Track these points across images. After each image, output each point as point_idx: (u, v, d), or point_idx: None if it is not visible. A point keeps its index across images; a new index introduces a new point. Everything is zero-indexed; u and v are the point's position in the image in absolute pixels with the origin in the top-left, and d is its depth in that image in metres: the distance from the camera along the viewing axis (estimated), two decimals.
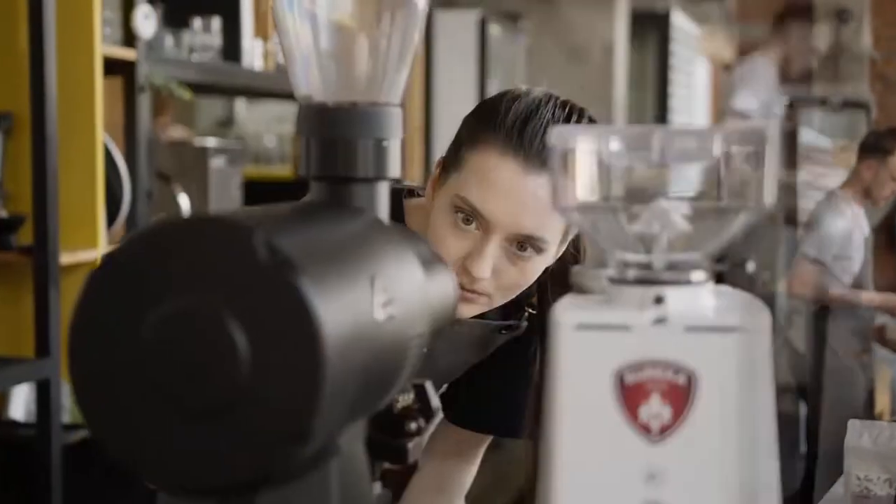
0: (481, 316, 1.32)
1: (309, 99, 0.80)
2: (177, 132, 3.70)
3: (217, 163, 2.97)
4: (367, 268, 0.67)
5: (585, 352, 0.67)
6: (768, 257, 4.69)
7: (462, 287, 1.23)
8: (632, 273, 0.69)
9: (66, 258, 2.37)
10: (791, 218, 4.65)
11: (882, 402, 4.51)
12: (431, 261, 0.81)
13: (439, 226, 1.24)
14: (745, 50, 9.73)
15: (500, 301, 1.28)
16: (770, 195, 0.68)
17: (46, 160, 2.31)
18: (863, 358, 4.33)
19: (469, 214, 1.22)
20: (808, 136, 4.90)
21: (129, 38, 2.60)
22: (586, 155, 0.69)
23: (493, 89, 6.08)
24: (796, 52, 4.29)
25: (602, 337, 0.66)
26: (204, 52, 2.95)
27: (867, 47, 9.32)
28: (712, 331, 0.65)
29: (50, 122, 2.32)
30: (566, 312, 0.67)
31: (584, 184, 0.70)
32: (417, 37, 0.82)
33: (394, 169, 0.80)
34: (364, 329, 0.64)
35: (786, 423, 4.51)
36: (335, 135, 0.77)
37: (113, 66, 2.57)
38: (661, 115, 7.33)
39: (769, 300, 4.25)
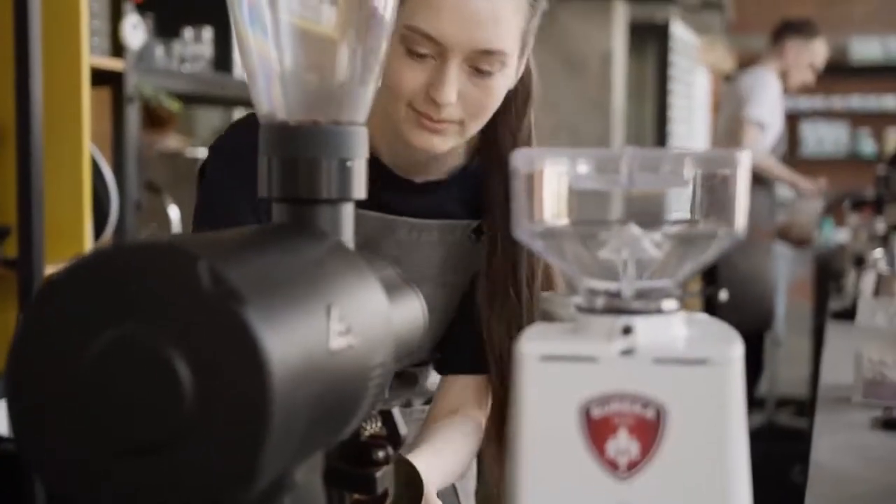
0: (451, 220, 1.34)
1: (271, 117, 0.77)
2: (174, 142, 3.68)
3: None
4: (323, 295, 0.64)
5: (550, 384, 0.64)
6: None
7: (430, 119, 1.21)
8: (600, 301, 0.66)
9: (51, 271, 2.35)
10: None
11: None
12: (397, 286, 0.79)
13: (393, 65, 1.20)
14: (745, 60, 9.73)
15: (473, 128, 1.25)
16: (742, 221, 0.65)
17: (31, 171, 2.28)
18: (772, 241, 4.46)
19: (421, 44, 1.19)
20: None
21: (118, 49, 2.58)
22: (552, 178, 0.67)
23: None
24: (794, 68, 4.34)
25: (567, 369, 0.64)
26: (195, 63, 2.92)
27: None
28: (682, 363, 0.63)
29: (35, 132, 2.29)
30: (530, 343, 0.64)
31: (549, 208, 0.67)
32: (383, 52, 0.79)
33: (359, 190, 0.77)
34: (317, 360, 0.61)
35: None
36: (297, 155, 0.75)
37: (101, 77, 2.55)
38: (661, 125, 7.31)
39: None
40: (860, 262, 3.17)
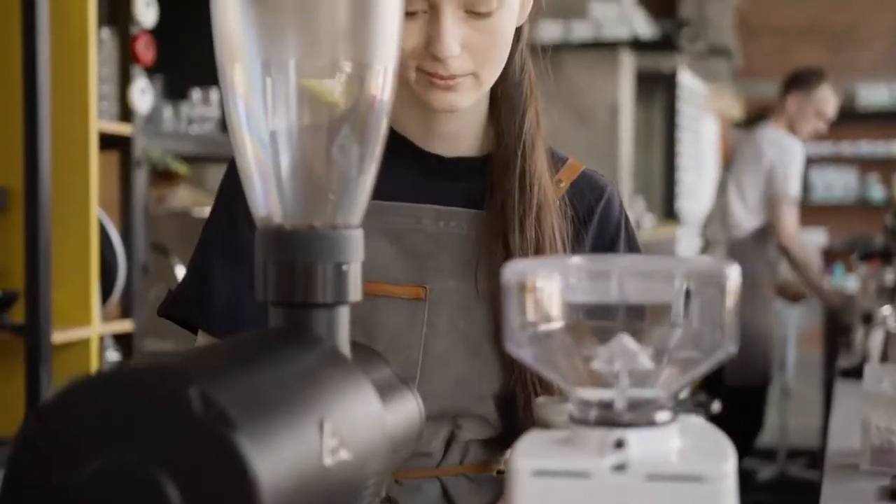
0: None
1: (268, 221, 0.78)
2: (183, 194, 3.69)
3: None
4: (316, 410, 0.64)
5: (544, 500, 0.64)
6: None
7: (441, 77, 1.12)
8: (592, 413, 0.66)
9: (59, 336, 2.35)
10: None
11: None
12: (392, 386, 0.79)
13: None
14: (753, 107, 9.76)
15: (489, 77, 1.16)
16: (734, 335, 0.65)
17: (39, 236, 2.29)
18: (774, 294, 4.43)
19: (406, 2, 1.09)
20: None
21: (126, 113, 2.60)
22: (543, 289, 0.67)
23: None
24: (800, 120, 4.36)
25: (560, 484, 0.63)
26: (202, 124, 2.94)
27: None
28: (675, 480, 0.62)
29: (44, 197, 2.30)
30: (523, 458, 0.64)
31: (540, 319, 0.67)
32: (378, 155, 0.79)
33: (354, 293, 0.77)
34: (310, 479, 0.61)
35: None
36: (294, 259, 0.75)
37: (110, 141, 2.57)
38: (669, 173, 7.33)
39: None
40: (868, 318, 3.15)
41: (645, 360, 0.66)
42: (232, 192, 1.21)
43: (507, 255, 1.16)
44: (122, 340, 2.68)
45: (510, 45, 1.16)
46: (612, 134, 5.51)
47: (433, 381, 1.17)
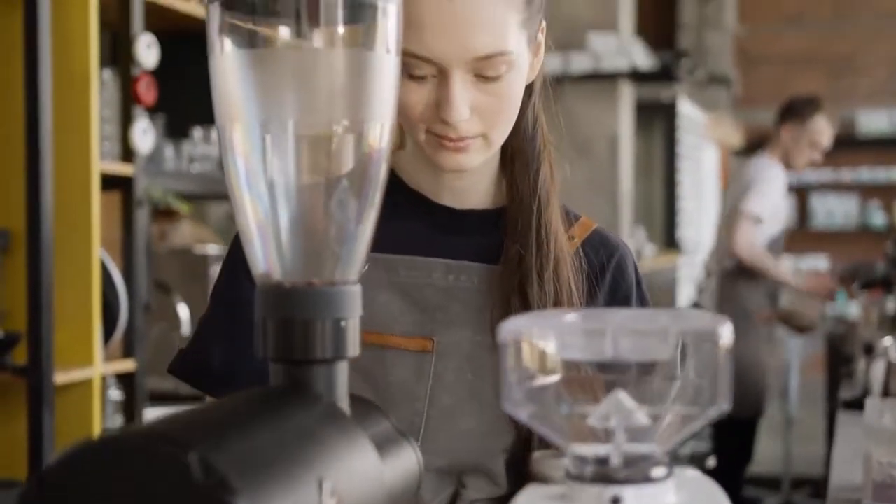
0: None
1: (267, 278, 0.78)
2: (186, 229, 3.70)
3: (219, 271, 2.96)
4: (314, 470, 0.65)
5: None
6: None
7: (450, 139, 1.13)
8: (588, 469, 0.67)
9: (60, 377, 2.36)
10: None
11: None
12: (391, 439, 0.79)
13: (398, 94, 1.13)
14: (753, 135, 9.80)
15: (498, 138, 1.16)
16: (727, 392, 0.66)
17: (41, 278, 2.30)
18: (770, 325, 4.41)
19: (416, 66, 1.10)
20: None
21: (128, 153, 2.62)
22: (539, 347, 0.68)
23: None
24: (794, 150, 4.38)
25: None
26: (203, 162, 2.96)
27: (731, 23, 9.38)
28: None
29: (46, 239, 2.32)
30: None
31: (536, 376, 0.68)
32: (376, 211, 0.80)
33: (353, 348, 0.78)
34: None
35: None
36: (293, 316, 0.76)
37: (111, 181, 2.58)
38: (670, 202, 7.34)
39: None
40: (870, 349, 3.15)
41: (641, 417, 0.67)
42: (237, 251, 1.22)
43: (526, 309, 1.16)
44: (125, 379, 2.68)
45: (519, 105, 1.16)
46: (612, 165, 5.53)
47: (439, 435, 1.16)
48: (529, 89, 1.22)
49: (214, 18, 0.76)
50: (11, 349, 2.34)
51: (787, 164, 4.43)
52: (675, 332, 0.66)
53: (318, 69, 0.76)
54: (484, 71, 1.11)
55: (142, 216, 2.62)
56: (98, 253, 2.45)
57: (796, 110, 4.41)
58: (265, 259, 0.79)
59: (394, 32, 0.77)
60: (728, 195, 4.52)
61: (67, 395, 2.44)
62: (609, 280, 1.25)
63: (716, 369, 0.66)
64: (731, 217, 4.35)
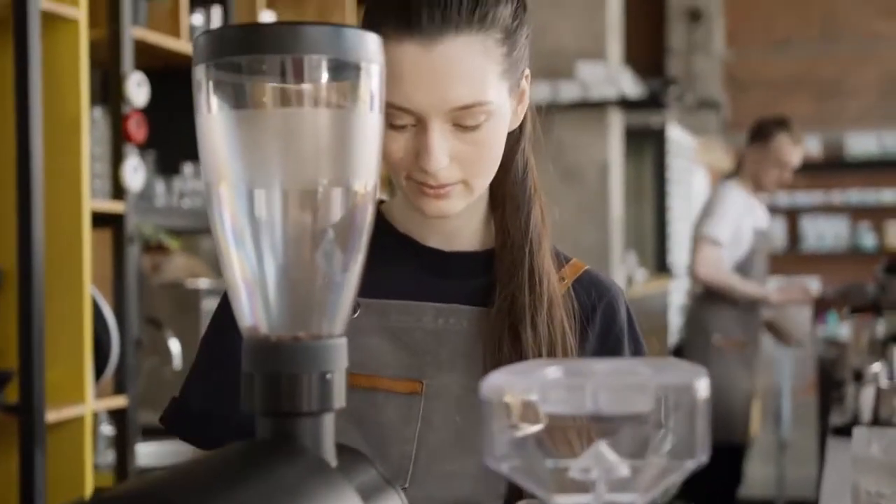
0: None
1: (254, 331, 0.80)
2: (179, 263, 3.71)
3: (210, 304, 2.98)
4: None
5: None
6: None
7: (430, 186, 1.14)
8: None
9: (52, 415, 2.36)
10: None
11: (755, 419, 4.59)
12: (377, 488, 0.81)
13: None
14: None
15: (480, 185, 1.17)
16: (706, 445, 0.68)
17: (33, 316, 2.31)
18: (745, 351, 4.34)
19: (396, 116, 1.11)
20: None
21: (119, 191, 2.63)
22: (520, 402, 0.69)
23: None
24: (760, 172, 4.37)
25: None
26: (194, 197, 2.97)
27: (720, 48, 9.43)
28: None
29: (37, 277, 2.33)
30: None
31: (518, 431, 0.69)
32: (360, 267, 0.82)
33: (339, 400, 0.79)
34: None
35: None
36: (279, 370, 0.77)
37: (102, 218, 2.60)
38: (660, 226, 7.37)
39: None
40: (859, 376, 3.17)
41: (622, 468, 0.69)
42: (226, 306, 1.23)
43: (519, 351, 1.18)
44: (117, 415, 2.69)
45: (501, 152, 1.18)
46: (603, 191, 5.55)
47: (427, 478, 1.17)
48: (518, 134, 1.24)
49: (201, 79, 0.78)
50: (3, 387, 2.34)
51: (758, 186, 4.41)
52: (653, 387, 0.68)
53: (304, 129, 0.78)
54: (462, 120, 1.12)
55: (132, 253, 2.63)
56: (89, 290, 2.46)
57: (760, 132, 4.40)
58: (252, 313, 0.80)
59: (377, 92, 0.79)
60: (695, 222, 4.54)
61: (59, 432, 2.44)
62: (600, 321, 1.26)
63: (693, 422, 0.68)
64: (693, 243, 4.37)
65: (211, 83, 0.77)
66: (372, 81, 0.79)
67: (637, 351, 1.27)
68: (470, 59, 1.11)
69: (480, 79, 1.11)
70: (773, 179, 4.40)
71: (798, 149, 4.42)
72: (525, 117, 1.24)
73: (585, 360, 0.76)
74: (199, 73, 0.77)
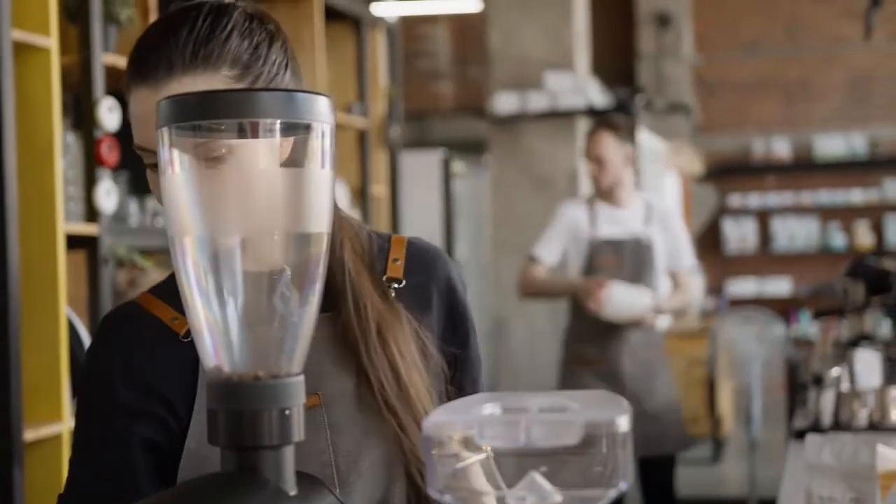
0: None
1: (217, 372, 0.86)
2: (155, 278, 3.74)
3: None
4: None
5: None
6: None
7: None
8: None
9: (30, 434, 2.41)
10: None
11: None
12: None
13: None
14: (713, 161, 9.95)
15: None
16: (629, 475, 0.74)
17: (9, 337, 2.36)
18: (600, 367, 4.10)
19: (147, 157, 1.19)
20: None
21: (92, 213, 2.68)
22: (459, 439, 0.76)
23: (458, 223, 6.23)
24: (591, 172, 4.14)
25: None
26: None
27: (689, 52, 9.54)
28: None
29: (13, 299, 2.38)
30: None
31: (457, 464, 0.76)
32: (315, 310, 0.88)
33: (298, 433, 0.86)
34: None
35: None
36: (241, 407, 0.84)
37: (76, 241, 2.65)
38: None
39: None
40: (819, 380, 3.24)
41: (554, 496, 0.75)
42: (96, 391, 1.26)
43: (365, 376, 1.24)
44: None
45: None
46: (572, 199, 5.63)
47: (349, 477, 1.23)
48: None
49: (164, 141, 0.84)
50: None
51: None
52: (581, 422, 0.75)
53: (260, 185, 0.84)
54: (206, 154, 1.17)
55: (107, 274, 2.69)
56: (65, 311, 2.51)
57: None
58: (215, 354, 0.87)
59: (329, 149, 0.85)
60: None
61: (36, 451, 2.49)
62: (439, 295, 1.33)
63: (615, 453, 0.74)
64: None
65: (174, 145, 0.83)
66: (324, 140, 0.85)
67: (463, 315, 1.34)
68: None
69: None
70: (590, 175, 4.18)
71: (592, 139, 4.11)
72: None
73: (519, 396, 0.82)
74: (163, 135, 0.84)
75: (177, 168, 0.85)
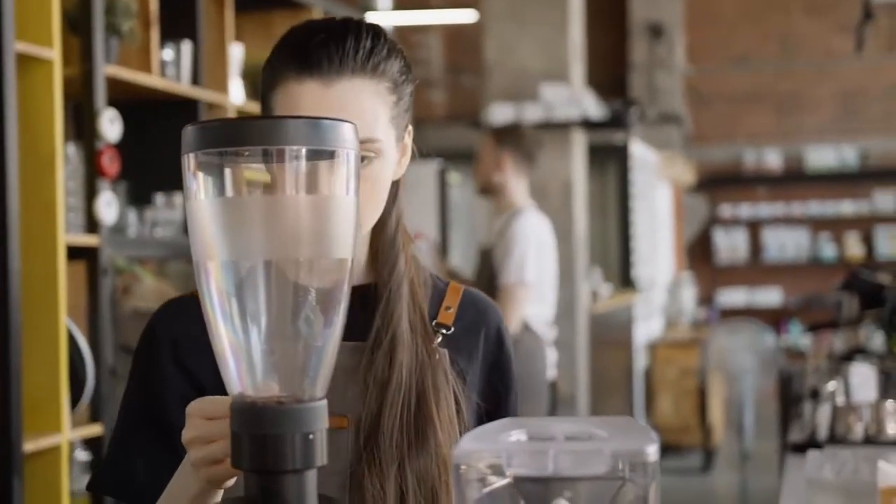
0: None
1: (241, 397, 0.87)
2: (150, 286, 3.74)
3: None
4: None
5: None
6: None
7: None
8: None
9: (29, 445, 2.41)
10: None
11: None
12: None
13: None
14: (705, 171, 9.97)
15: (368, 220, 1.23)
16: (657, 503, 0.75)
17: (10, 347, 2.36)
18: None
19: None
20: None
21: (93, 224, 2.68)
22: (489, 466, 0.76)
23: (454, 234, 6.23)
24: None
25: None
26: (166, 227, 3.03)
27: (681, 63, 9.56)
28: None
29: (13, 310, 2.38)
30: None
31: (486, 489, 0.77)
32: (338, 335, 0.89)
33: (321, 457, 0.86)
34: None
35: None
36: (265, 431, 0.84)
37: (77, 252, 2.65)
38: (624, 241, 7.47)
39: None
40: (815, 394, 3.25)
41: None
42: (145, 368, 1.27)
43: (365, 386, 1.23)
44: (92, 443, 2.73)
45: (386, 195, 1.24)
46: (567, 209, 5.64)
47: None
48: (395, 189, 1.29)
49: (189, 167, 0.85)
50: None
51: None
52: (609, 451, 0.75)
53: (285, 212, 0.85)
54: None
55: (106, 285, 2.69)
56: (64, 322, 2.51)
57: None
58: (239, 379, 0.87)
59: (353, 175, 0.86)
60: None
61: (36, 461, 2.49)
62: (486, 345, 1.33)
63: (646, 481, 0.75)
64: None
65: (199, 171, 0.84)
66: (348, 166, 0.86)
67: (508, 369, 1.34)
68: (363, 99, 1.20)
69: (372, 118, 1.20)
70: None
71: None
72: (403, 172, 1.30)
73: (544, 422, 0.83)
74: (188, 161, 0.84)
75: (201, 195, 0.85)
